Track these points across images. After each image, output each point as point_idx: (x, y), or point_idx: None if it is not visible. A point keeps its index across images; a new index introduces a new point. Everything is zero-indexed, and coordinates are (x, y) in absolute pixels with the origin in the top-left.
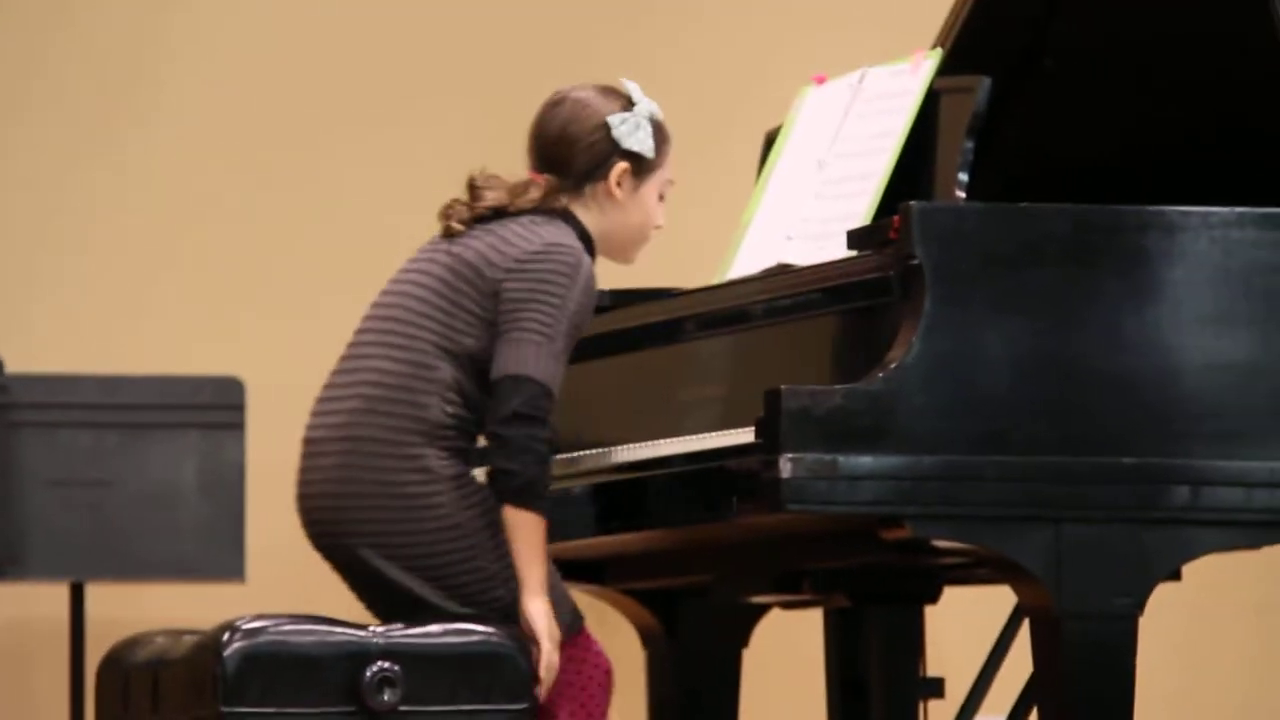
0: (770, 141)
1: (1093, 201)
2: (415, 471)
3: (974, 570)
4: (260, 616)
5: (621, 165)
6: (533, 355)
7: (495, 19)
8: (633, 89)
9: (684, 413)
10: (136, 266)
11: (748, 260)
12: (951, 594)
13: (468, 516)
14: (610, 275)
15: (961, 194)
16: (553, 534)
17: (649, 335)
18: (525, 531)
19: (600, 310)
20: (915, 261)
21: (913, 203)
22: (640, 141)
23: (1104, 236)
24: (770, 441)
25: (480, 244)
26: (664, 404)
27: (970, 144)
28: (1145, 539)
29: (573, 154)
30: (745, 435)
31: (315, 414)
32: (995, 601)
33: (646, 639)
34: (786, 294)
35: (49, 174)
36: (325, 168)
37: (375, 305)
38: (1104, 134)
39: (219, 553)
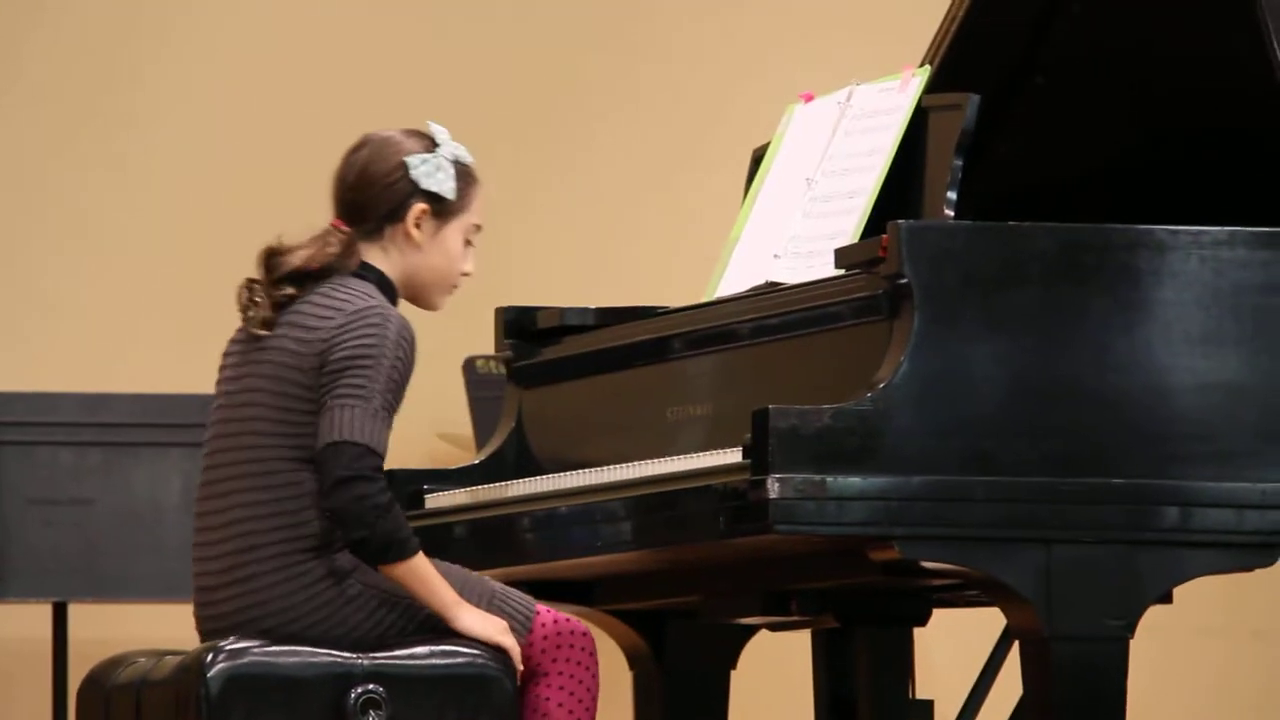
0: (758, 159)
1: (1083, 219)
2: (322, 581)
3: (963, 592)
4: (244, 638)
5: (420, 206)
6: (347, 419)
7: (486, 34)
8: (438, 131)
9: (671, 432)
10: (120, 284)
11: (735, 278)
12: (941, 615)
13: (388, 585)
14: (597, 294)
15: (950, 212)
16: (540, 554)
17: (635, 354)
18: (411, 578)
19: (586, 329)
20: (903, 280)
21: (901, 221)
22: (440, 183)
23: (1093, 255)
24: (758, 461)
25: (288, 340)
26: (651, 423)
27: (959, 162)
28: (1136, 560)
29: (370, 195)
30: (733, 455)
31: (198, 557)
32: (985, 623)
33: (634, 660)
34: (774, 313)
35: (31, 191)
36: (313, 186)
37: (216, 437)
38: (1094, 151)
39: None
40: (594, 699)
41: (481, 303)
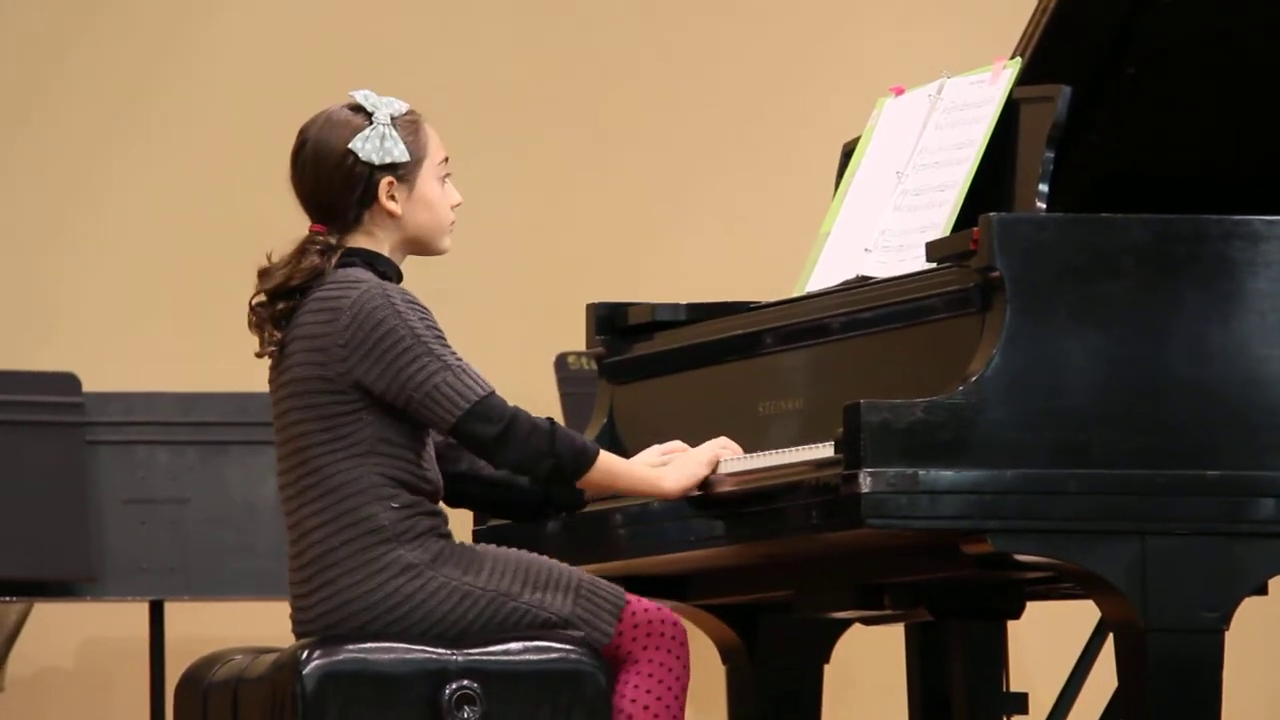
0: (848, 153)
1: (1176, 210)
2: (400, 575)
3: (1057, 584)
4: (339, 635)
5: (386, 180)
6: (449, 392)
7: (573, 28)
8: (365, 98)
9: (763, 427)
10: (214, 283)
11: (826, 273)
12: (1034, 608)
13: (469, 578)
14: (687, 289)
15: (1042, 204)
16: (634, 550)
17: (727, 349)
18: (606, 477)
19: (677, 324)
20: (995, 273)
21: (992, 214)
22: (390, 151)
23: (1186, 246)
24: (850, 456)
25: (300, 355)
26: (742, 418)
27: (1050, 154)
28: (1231, 552)
29: (334, 193)
30: (825, 450)
31: (289, 567)
32: (1079, 616)
33: (727, 655)
34: (865, 306)
35: (122, 196)
36: None
37: (279, 458)
38: (1187, 141)
39: None
40: (684, 687)
41: (573, 299)
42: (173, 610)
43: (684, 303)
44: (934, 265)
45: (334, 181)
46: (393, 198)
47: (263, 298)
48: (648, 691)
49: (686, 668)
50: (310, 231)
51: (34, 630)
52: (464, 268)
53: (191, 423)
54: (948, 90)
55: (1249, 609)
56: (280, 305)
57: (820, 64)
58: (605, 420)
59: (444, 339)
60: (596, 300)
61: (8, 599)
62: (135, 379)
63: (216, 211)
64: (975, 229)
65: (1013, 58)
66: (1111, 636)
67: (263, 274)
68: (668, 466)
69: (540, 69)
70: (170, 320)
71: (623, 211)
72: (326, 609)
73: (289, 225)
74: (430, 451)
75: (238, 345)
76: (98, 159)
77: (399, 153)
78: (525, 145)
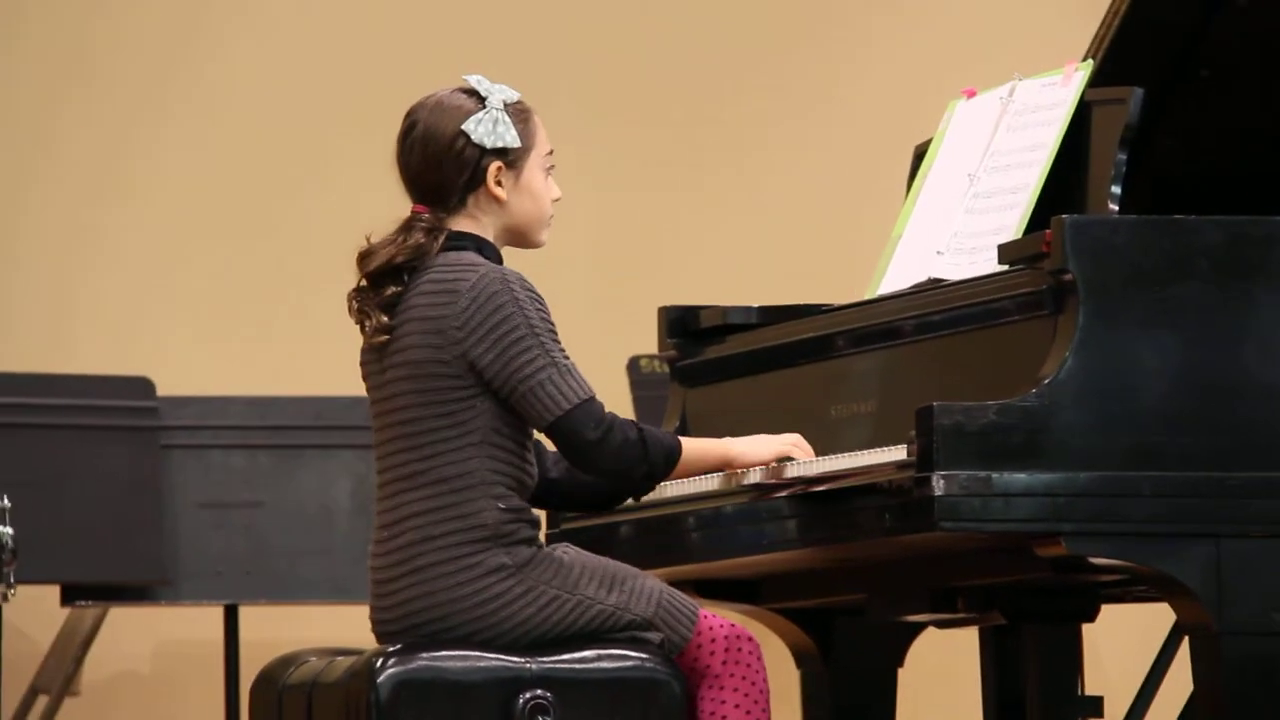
0: (920, 156)
1: (1249, 213)
2: (492, 574)
3: (1131, 587)
4: (414, 643)
5: (494, 165)
6: (552, 391)
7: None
8: (479, 83)
9: (835, 430)
10: (288, 287)
11: (898, 275)
12: (1109, 611)
13: (556, 582)
14: (760, 292)
15: (1114, 206)
16: (707, 552)
17: (799, 352)
18: (687, 467)
19: (749, 327)
20: (1068, 275)
21: (1065, 216)
22: (502, 136)
23: (1259, 248)
24: (923, 459)
25: (414, 337)
26: (816, 421)
27: (1123, 156)
28: None
29: (443, 175)
30: (898, 453)
31: (373, 554)
32: (1154, 619)
33: (801, 659)
34: (937, 309)
35: (196, 203)
36: None
37: (379, 444)
38: (1260, 143)
39: None
40: (768, 702)
41: (645, 302)
42: (247, 614)
43: (756, 306)
44: (1006, 268)
45: (444, 162)
46: (499, 183)
47: (364, 282)
48: (736, 706)
49: (767, 682)
50: (413, 212)
51: (109, 634)
52: (536, 269)
53: (265, 426)
54: (1019, 92)
55: None
56: (389, 289)
57: (895, 66)
58: (677, 423)
59: (556, 335)
60: (669, 303)
61: (84, 603)
62: (209, 383)
63: (288, 214)
64: (1047, 231)
65: (1085, 60)
66: (1187, 640)
67: (364, 256)
68: (744, 447)
69: (613, 67)
70: (244, 324)
71: (695, 214)
72: (412, 595)
73: (360, 224)
74: (532, 452)
75: (312, 349)
76: (176, 167)
77: (510, 138)
78: (598, 146)
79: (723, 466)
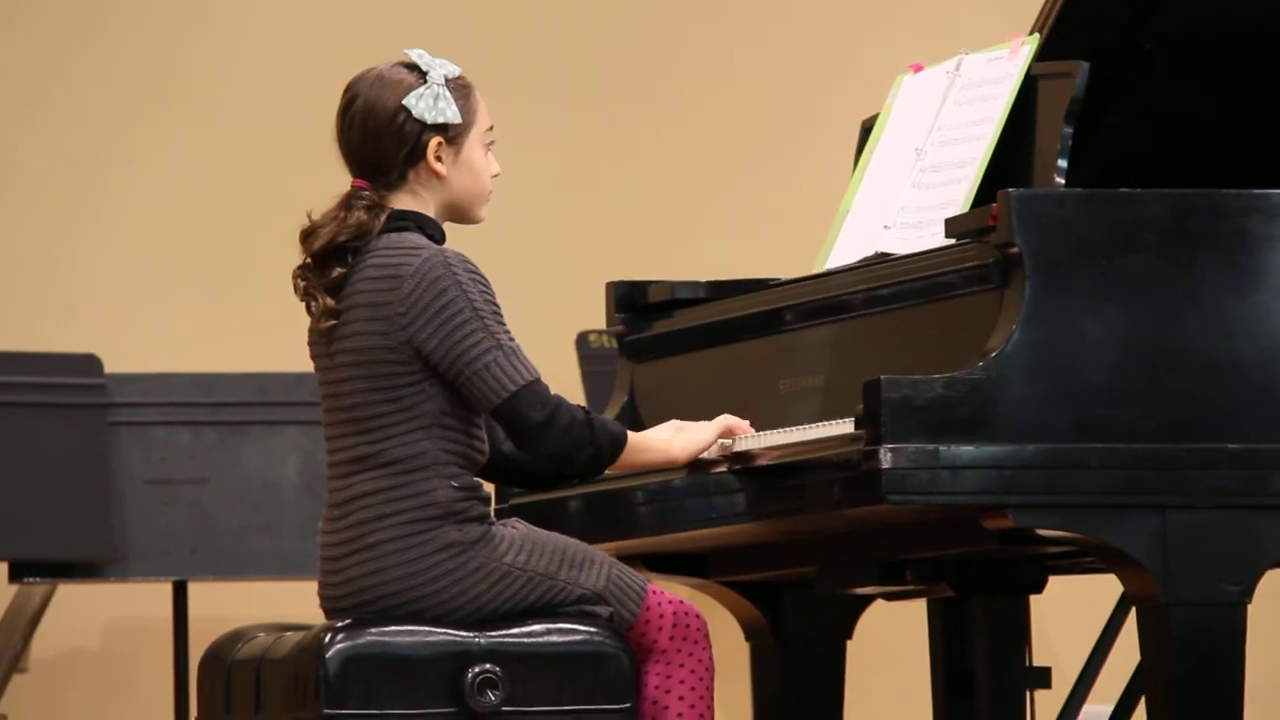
0: (867, 130)
1: (1196, 185)
2: (443, 551)
3: (1079, 559)
4: (362, 619)
5: (434, 140)
6: (497, 373)
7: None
8: (419, 57)
9: (783, 404)
10: (234, 263)
11: (846, 249)
12: (1057, 582)
13: (507, 558)
14: (707, 267)
15: (1061, 180)
16: (654, 527)
17: (747, 326)
18: (632, 456)
19: (697, 302)
20: (1014, 249)
21: (1011, 189)
22: (443, 111)
23: (1205, 220)
24: (871, 432)
25: (361, 322)
26: (763, 395)
27: (1069, 129)
28: (1252, 525)
29: (382, 149)
30: (846, 426)
31: (323, 530)
32: (1101, 590)
33: (750, 632)
34: (885, 283)
35: (140, 178)
36: None
37: (328, 425)
38: (1206, 116)
39: None
40: (713, 679)
41: (593, 277)
42: (195, 590)
43: (703, 280)
44: (953, 241)
45: (383, 136)
46: (439, 159)
47: (309, 261)
48: (681, 682)
49: (713, 660)
50: (353, 186)
51: (57, 611)
52: (484, 246)
53: (211, 403)
54: (966, 67)
55: (1271, 581)
56: (334, 271)
57: (841, 41)
58: (626, 398)
59: (501, 316)
60: (617, 278)
61: (31, 580)
62: (155, 360)
63: (233, 191)
64: (994, 205)
65: (1031, 34)
66: (1134, 611)
67: (306, 234)
68: (679, 434)
69: (560, 46)
70: (189, 300)
71: (642, 189)
72: (363, 573)
73: (306, 203)
74: (484, 429)
75: (257, 325)
76: (114, 140)
77: (451, 114)
78: (545, 123)
79: (665, 464)
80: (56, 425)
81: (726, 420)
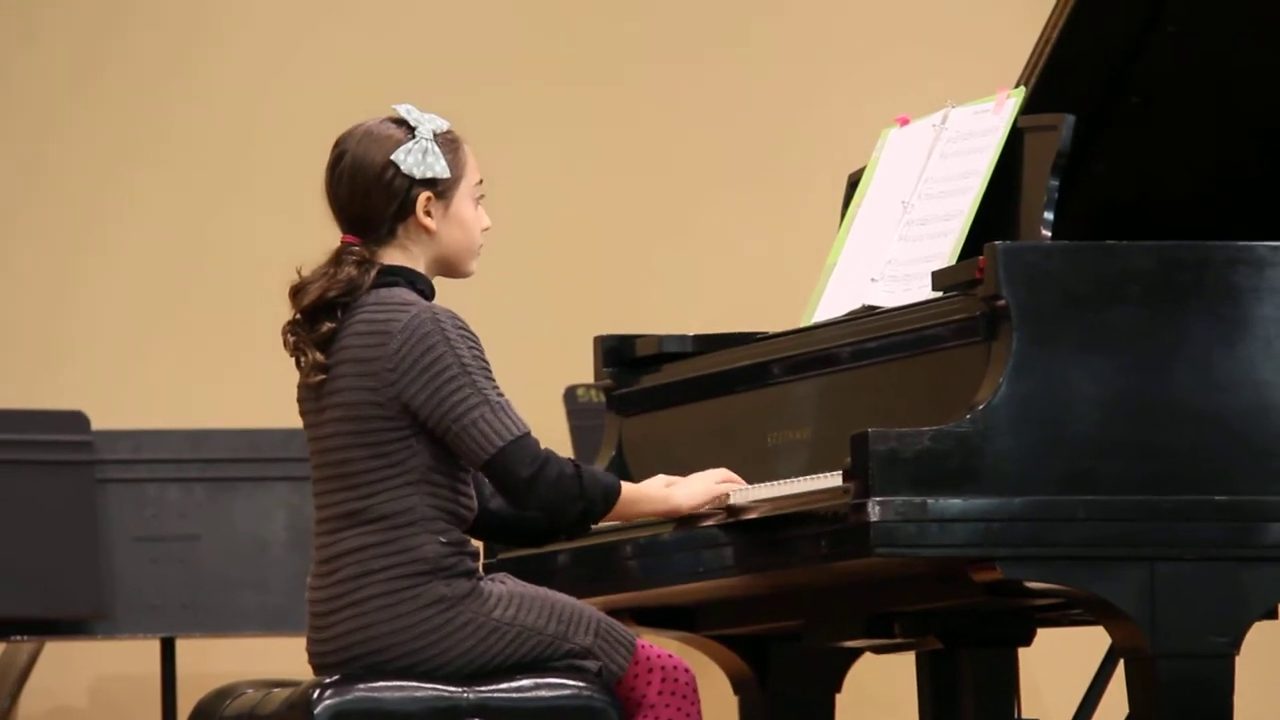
0: (854, 183)
1: (1181, 238)
2: (432, 606)
3: (1067, 611)
4: (351, 674)
5: (424, 195)
6: (485, 429)
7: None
8: (408, 112)
9: (771, 457)
10: (220, 321)
11: (833, 303)
12: (1045, 635)
13: (495, 613)
14: (694, 321)
15: (1047, 233)
16: (644, 581)
17: (734, 380)
18: (626, 508)
19: (685, 356)
20: (1001, 301)
21: (997, 242)
22: (431, 166)
23: (1191, 273)
24: (858, 485)
25: (349, 379)
26: (751, 448)
27: (1055, 182)
28: (1240, 577)
29: (371, 205)
30: (833, 479)
31: (312, 586)
32: (1090, 642)
33: (738, 685)
34: (872, 336)
35: (130, 236)
36: None
37: (316, 480)
38: (1191, 169)
39: None
40: None
41: (581, 332)
42: (184, 647)
43: (691, 334)
44: (940, 294)
45: (372, 193)
46: (429, 213)
47: (299, 317)
48: None
49: (701, 716)
50: (343, 242)
51: (45, 668)
52: (471, 299)
53: (201, 459)
54: (952, 120)
55: (1259, 633)
56: (323, 326)
57: (827, 95)
58: (614, 452)
59: (489, 372)
60: (604, 332)
61: (19, 638)
62: (144, 416)
63: (221, 247)
64: (981, 258)
65: (1017, 87)
66: (1122, 663)
67: (296, 290)
68: (676, 486)
69: (547, 101)
70: (178, 356)
71: (630, 244)
72: (351, 629)
73: (295, 259)
74: (472, 485)
75: (246, 380)
76: (101, 196)
77: (440, 168)
78: (533, 177)
79: (665, 514)
80: (44, 482)
81: (724, 474)
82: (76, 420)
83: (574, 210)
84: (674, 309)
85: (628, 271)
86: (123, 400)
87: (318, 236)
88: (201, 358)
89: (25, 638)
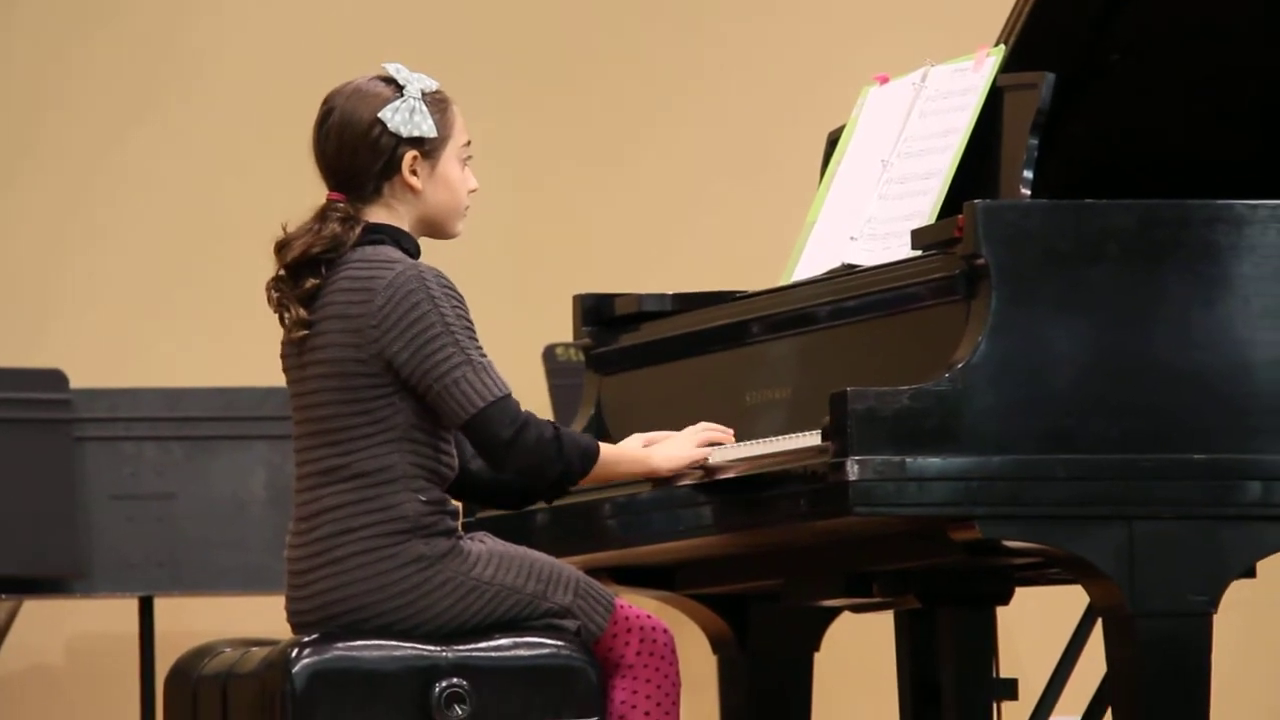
0: (833, 142)
1: (1161, 196)
2: (411, 564)
3: (1045, 570)
4: (329, 633)
5: (410, 154)
6: (466, 388)
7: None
8: (397, 71)
9: (750, 416)
10: (200, 278)
11: (812, 262)
12: (1024, 594)
13: (475, 572)
14: (674, 279)
15: (1026, 191)
16: (623, 540)
17: (713, 339)
18: (605, 470)
19: (664, 314)
20: (980, 260)
21: (977, 201)
22: (419, 125)
23: (1170, 231)
24: (837, 444)
25: (334, 335)
26: (730, 408)
27: (1034, 141)
28: (1218, 536)
29: (358, 162)
30: (812, 438)
31: (291, 544)
32: (1068, 601)
33: (717, 645)
34: (851, 295)
35: (108, 194)
36: None
37: (298, 437)
38: (1171, 128)
39: None
40: (679, 694)
41: (560, 291)
42: (162, 606)
43: (670, 293)
44: (919, 253)
45: (359, 149)
46: (415, 173)
47: (283, 273)
48: (647, 697)
49: (679, 675)
50: (328, 199)
51: (23, 627)
52: (452, 258)
53: (178, 418)
54: (932, 78)
55: (1236, 591)
56: (307, 282)
57: (806, 53)
58: (593, 411)
59: (473, 331)
60: (584, 291)
61: None
62: (122, 375)
63: (201, 203)
64: (960, 216)
65: (996, 45)
66: (1100, 621)
67: (281, 246)
68: (656, 446)
69: (528, 62)
70: (156, 315)
71: (609, 202)
72: (330, 586)
73: (278, 216)
74: (453, 444)
75: (224, 339)
76: (82, 156)
77: (427, 128)
78: (512, 135)
79: (644, 475)
80: (21, 440)
81: (701, 432)
82: (55, 378)
83: (555, 168)
84: (654, 267)
85: (606, 229)
86: (101, 359)
87: (305, 194)
88: (179, 316)
89: (3, 596)
